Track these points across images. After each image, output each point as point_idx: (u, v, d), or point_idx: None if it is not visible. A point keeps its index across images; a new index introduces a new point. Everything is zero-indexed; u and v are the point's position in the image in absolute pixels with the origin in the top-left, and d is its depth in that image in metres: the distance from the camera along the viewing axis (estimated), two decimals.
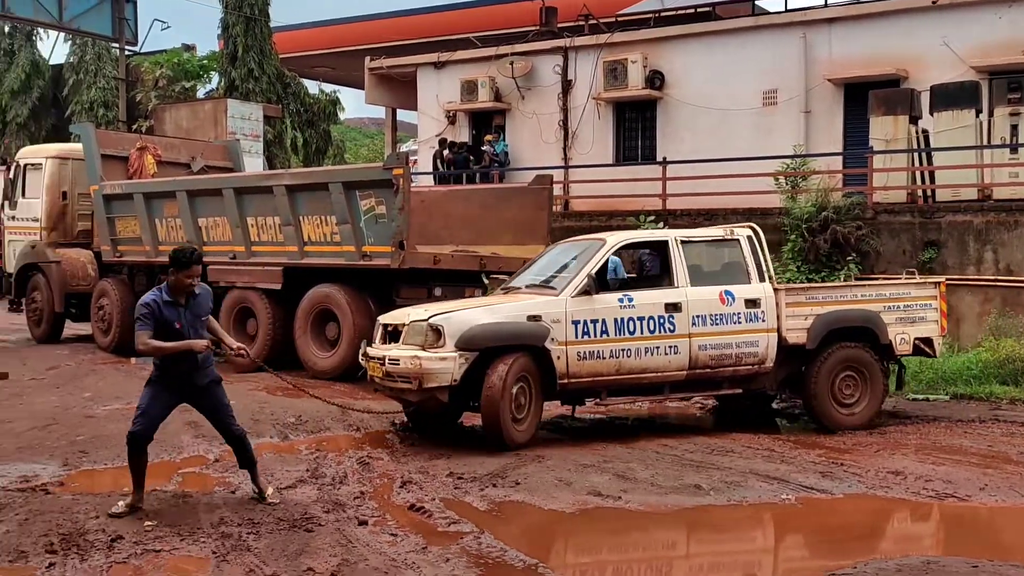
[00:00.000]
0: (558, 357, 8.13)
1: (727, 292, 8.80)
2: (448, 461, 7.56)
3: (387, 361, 8.02)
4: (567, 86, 20.66)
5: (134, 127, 22.95)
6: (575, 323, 8.20)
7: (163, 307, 5.98)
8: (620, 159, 20.30)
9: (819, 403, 8.98)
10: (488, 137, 21.07)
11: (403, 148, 29.70)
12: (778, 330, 8.90)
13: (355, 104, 61.07)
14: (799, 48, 17.96)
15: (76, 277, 15.05)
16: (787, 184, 15.30)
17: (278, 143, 23.40)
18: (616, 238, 9.04)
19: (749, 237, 9.15)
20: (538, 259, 9.73)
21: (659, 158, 18.29)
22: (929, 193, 14.51)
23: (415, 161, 24.94)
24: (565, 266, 8.93)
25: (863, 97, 16.05)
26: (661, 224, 14.22)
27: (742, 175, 15.85)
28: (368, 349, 8.51)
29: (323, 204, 11.73)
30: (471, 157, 21.08)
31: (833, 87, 17.66)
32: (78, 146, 15.58)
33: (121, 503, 6.11)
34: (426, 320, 7.98)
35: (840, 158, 16.84)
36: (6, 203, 16.24)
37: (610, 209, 17.66)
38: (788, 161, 15.77)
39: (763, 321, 8.87)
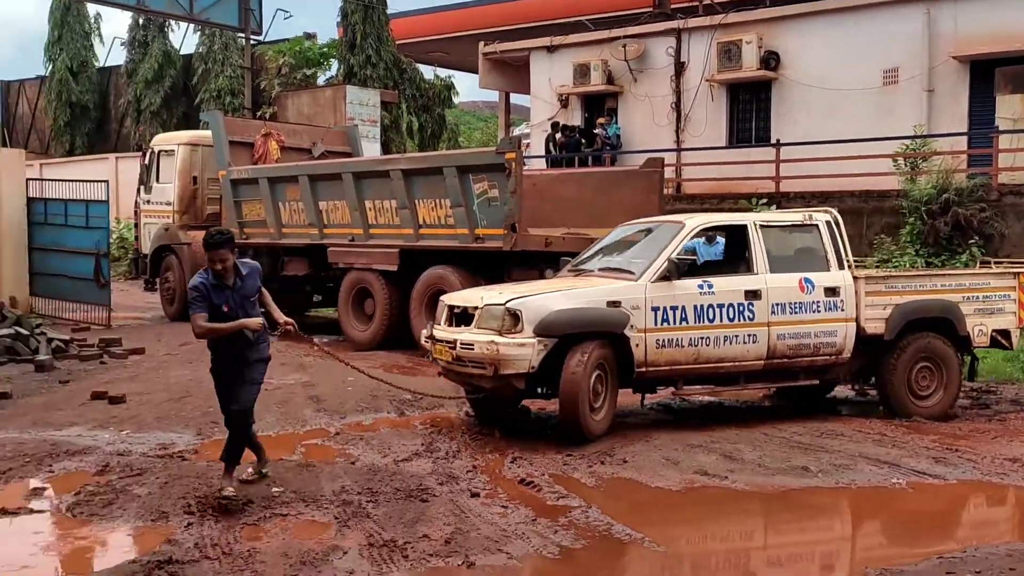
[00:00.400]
0: (636, 345, 7.82)
1: (807, 280, 8.54)
2: (556, 440, 7.74)
3: (459, 345, 7.73)
4: (680, 68, 20.55)
5: (258, 113, 23.83)
6: (654, 310, 7.92)
7: (211, 290, 5.90)
8: (733, 141, 20.11)
9: (896, 394, 8.78)
10: (600, 120, 21.15)
11: (516, 131, 29.93)
12: (856, 319, 8.65)
13: (469, 88, 61.91)
14: (922, 24, 17.44)
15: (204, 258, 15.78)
16: (906, 166, 14.92)
17: (394, 128, 23.94)
18: (695, 221, 8.68)
19: (828, 223, 8.88)
20: (607, 240, 9.44)
21: (773, 140, 18.05)
22: None
23: (527, 144, 25.22)
24: (640, 249, 8.67)
25: (990, 75, 15.52)
26: (774, 207, 14.06)
27: (859, 157, 15.50)
28: (435, 331, 8.19)
29: (438, 188, 12.05)
30: (583, 140, 21.20)
31: (958, 64, 17.10)
32: (207, 133, 16.33)
33: (250, 469, 6.51)
34: (503, 304, 7.62)
35: (964, 139, 16.30)
36: (141, 188, 17.12)
37: (722, 192, 17.56)
38: (908, 142, 15.36)
39: (842, 310, 8.62)
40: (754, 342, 8.29)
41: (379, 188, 12.83)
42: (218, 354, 6.17)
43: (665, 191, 14.28)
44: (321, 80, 25.72)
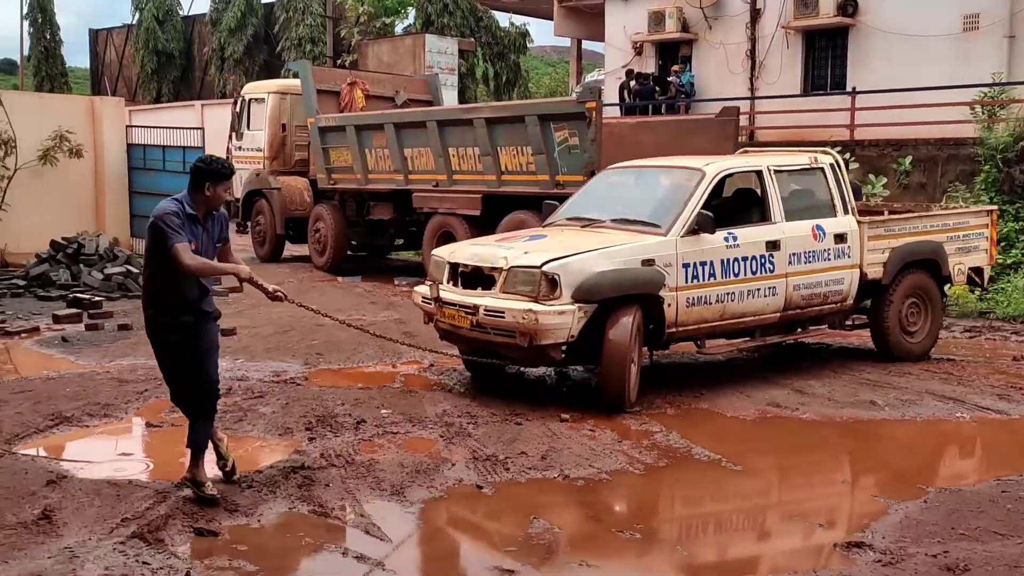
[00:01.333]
0: (668, 305, 7.27)
1: (818, 227, 8.26)
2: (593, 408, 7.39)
3: (482, 312, 7.00)
4: (755, 15, 20.55)
5: (338, 62, 24.43)
6: (685, 267, 7.37)
7: (185, 221, 4.96)
8: (808, 89, 20.13)
9: (892, 335, 8.85)
10: (675, 68, 21.31)
11: (588, 78, 30.08)
12: (860, 265, 8.54)
13: (537, 34, 61.86)
14: None
15: (294, 203, 16.56)
16: (984, 113, 14.94)
17: (470, 76, 24.37)
18: (715, 168, 7.98)
19: (832, 165, 8.61)
20: (597, 187, 8.93)
21: (849, 87, 18.09)
22: None
23: (601, 91, 25.45)
24: (655, 199, 8.14)
25: None
26: (848, 155, 14.24)
27: (936, 104, 15.53)
28: (442, 293, 7.41)
29: (519, 135, 12.54)
30: (657, 88, 21.39)
31: None
32: (295, 82, 16.99)
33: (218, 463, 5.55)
34: (539, 267, 6.89)
35: None
36: (233, 134, 17.89)
37: (796, 139, 17.68)
38: (986, 90, 15.36)
39: (849, 257, 8.45)
40: (773, 295, 7.96)
41: (462, 136, 13.36)
42: (170, 307, 5.05)
43: (739, 139, 14.53)
44: (398, 29, 26.20)
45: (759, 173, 8.22)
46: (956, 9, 17.71)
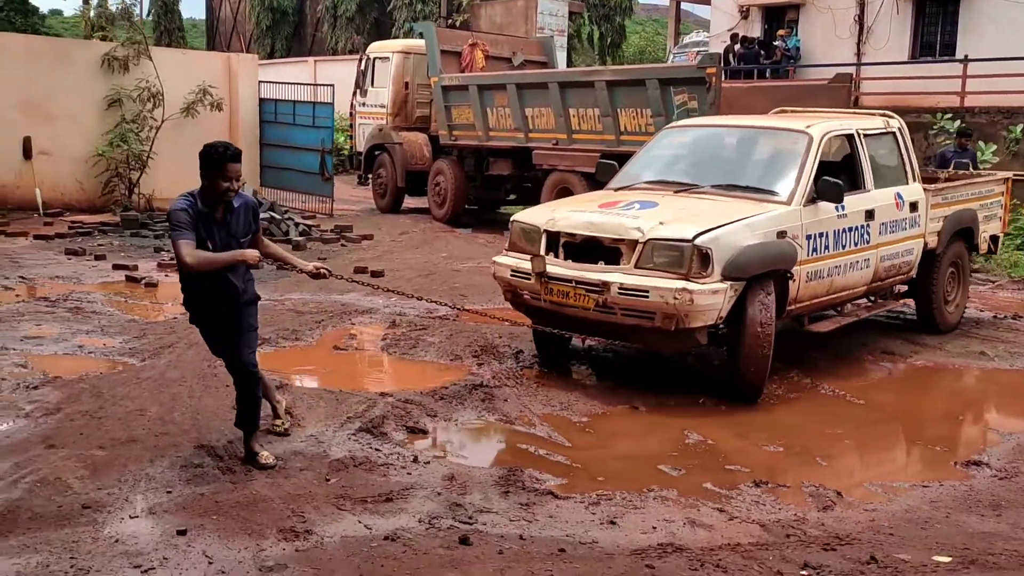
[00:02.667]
0: (793, 280, 6.76)
1: (899, 195, 7.93)
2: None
3: (614, 290, 6.23)
4: None
5: (449, 21, 25.21)
6: (808, 238, 6.88)
7: (197, 219, 4.69)
8: (916, 54, 20.27)
9: (938, 305, 8.66)
10: (781, 32, 21.59)
11: (686, 40, 30.39)
12: (924, 234, 8.28)
13: None
14: None
15: (415, 157, 17.48)
16: None
17: (576, 37, 24.92)
18: (820, 129, 7.45)
19: (900, 130, 8.29)
20: (662, 149, 8.25)
21: (958, 53, 18.23)
22: None
23: (697, 53, 25.85)
24: (760, 163, 7.60)
25: None
26: (959, 122, 14.56)
27: None
28: (550, 267, 6.61)
29: (639, 98, 13.19)
30: (762, 52, 21.73)
31: None
32: (416, 42, 17.84)
33: (278, 421, 5.54)
34: (691, 241, 6.18)
35: None
36: (357, 91, 18.86)
37: (904, 105, 17.93)
38: None
39: (918, 226, 8.15)
40: (867, 266, 7.59)
41: (583, 97, 14.05)
42: (201, 297, 4.97)
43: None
44: None
45: (850, 137, 7.77)
46: None
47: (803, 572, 3.91)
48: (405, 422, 5.77)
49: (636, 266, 6.30)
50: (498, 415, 6.05)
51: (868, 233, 7.51)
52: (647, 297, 6.16)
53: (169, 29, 34.13)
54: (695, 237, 6.21)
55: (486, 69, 16.86)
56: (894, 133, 8.27)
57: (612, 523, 4.40)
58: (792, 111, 9.05)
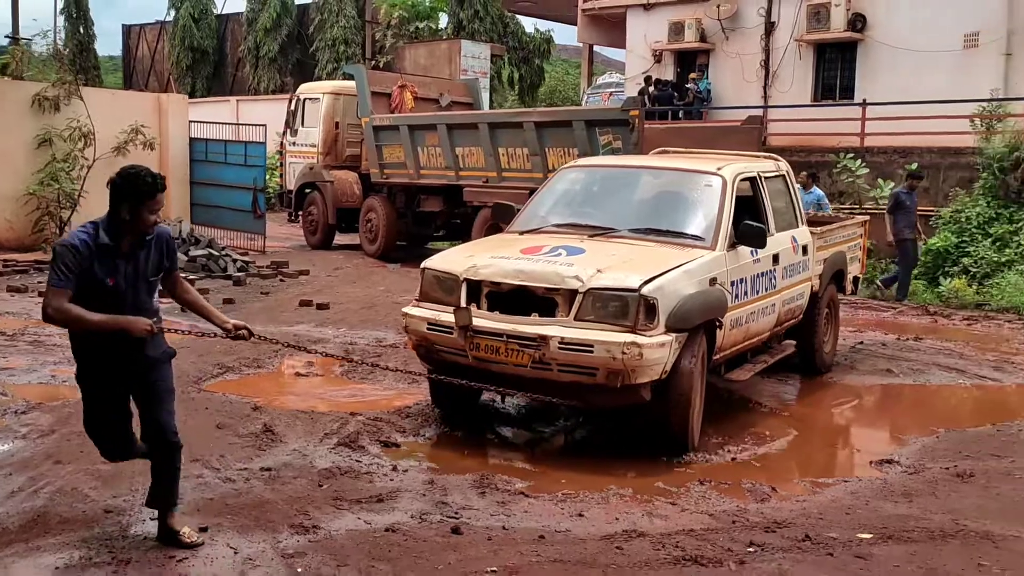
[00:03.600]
0: (720, 327, 6.41)
1: (793, 238, 7.80)
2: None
3: (554, 345, 5.67)
4: (770, 28, 22.00)
5: (372, 62, 25.83)
6: (733, 284, 6.60)
7: (96, 254, 4.05)
8: (818, 97, 21.60)
9: (819, 346, 8.58)
10: (692, 75, 22.75)
11: (599, 81, 31.55)
12: (811, 277, 8.22)
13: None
14: None
15: (346, 195, 17.94)
16: (982, 126, 16.39)
17: (497, 78, 25.77)
18: (731, 171, 7.16)
19: (788, 172, 8.23)
20: (565, 190, 7.63)
21: (857, 97, 19.54)
22: None
23: (610, 94, 26.97)
24: (675, 206, 7.22)
25: None
26: (860, 161, 15.70)
27: (939, 116, 16.95)
28: (476, 320, 5.96)
29: (566, 138, 13.96)
30: (675, 93, 22.85)
31: None
32: (346, 83, 18.40)
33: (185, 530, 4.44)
34: (638, 291, 5.74)
35: None
36: (287, 131, 19.27)
37: (808, 145, 19.13)
38: (985, 104, 16.82)
39: (808, 269, 8.07)
40: (773, 312, 7.40)
41: (512, 137, 14.76)
42: (93, 352, 4.22)
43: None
44: (429, 33, 27.61)
45: (753, 180, 7.47)
46: (958, 27, 19.18)
47: (749, 549, 4.53)
48: (378, 437, 6.25)
49: (575, 318, 5.79)
50: (462, 430, 6.57)
51: (775, 278, 7.34)
52: (591, 352, 5.64)
53: (85, 67, 33.93)
54: (641, 286, 5.77)
55: (415, 110, 17.49)
56: (784, 175, 8.13)
57: (580, 515, 4.97)
58: (675, 152, 8.91)
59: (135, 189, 4.08)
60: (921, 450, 6.45)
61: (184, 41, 33.14)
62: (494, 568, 4.10)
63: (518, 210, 7.66)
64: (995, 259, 13.90)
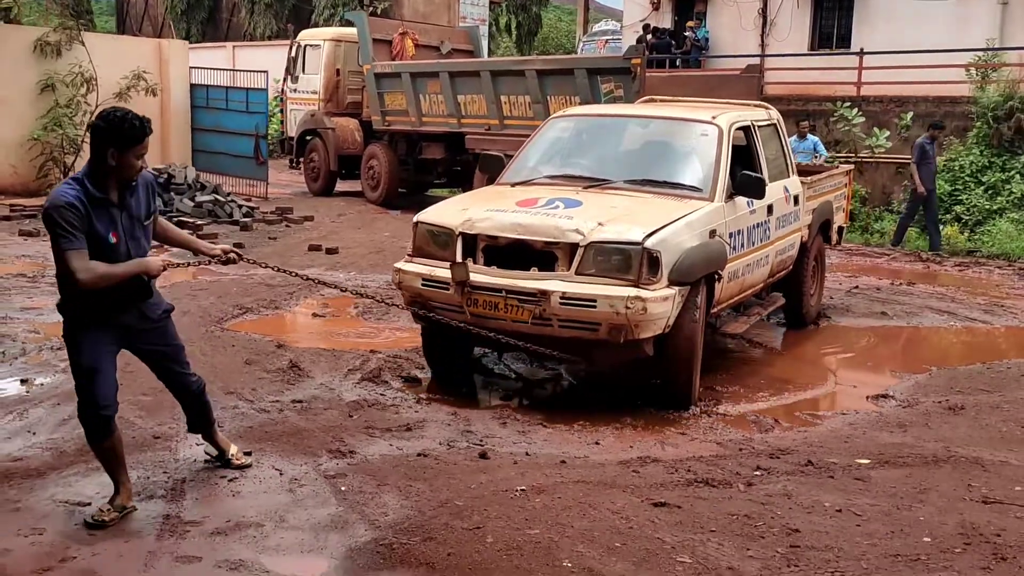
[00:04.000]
0: (719, 280, 6.32)
1: (785, 188, 7.71)
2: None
3: (555, 300, 5.54)
4: None
5: (370, 8, 25.74)
6: (730, 236, 6.53)
7: (91, 209, 3.90)
8: (816, 46, 21.71)
9: (806, 298, 8.54)
10: (690, 23, 22.79)
11: (595, 28, 31.49)
12: (801, 227, 8.16)
13: None
14: None
15: (347, 142, 18.08)
16: (977, 75, 16.57)
17: (495, 25, 25.75)
18: (726, 120, 7.05)
19: (779, 120, 8.14)
20: (557, 140, 7.48)
21: (854, 47, 19.67)
22: None
23: (606, 42, 27.01)
24: (671, 156, 7.08)
25: None
26: (856, 110, 15.89)
27: (934, 66, 17.11)
28: (474, 275, 5.78)
29: (568, 86, 14.10)
30: (673, 42, 22.92)
31: None
32: (348, 30, 18.43)
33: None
34: (641, 244, 5.63)
35: None
36: (288, 77, 19.33)
37: (805, 94, 19.29)
38: (980, 53, 16.98)
39: (798, 219, 7.98)
40: (766, 263, 7.36)
41: (514, 85, 14.89)
42: (99, 313, 4.09)
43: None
44: None
45: (747, 129, 7.34)
46: None
47: (756, 472, 4.87)
48: (399, 373, 6.56)
49: (576, 272, 5.64)
50: (477, 369, 6.88)
51: (769, 229, 7.28)
52: (594, 307, 5.52)
53: (79, 12, 33.62)
54: (644, 239, 5.65)
55: (416, 57, 17.57)
56: (775, 124, 8.00)
57: (597, 444, 5.30)
58: (662, 100, 8.82)
59: (121, 134, 3.88)
60: (915, 386, 6.79)
61: None
62: (523, 487, 4.42)
63: (506, 161, 7.57)
64: (987, 207, 14.22)
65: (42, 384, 5.90)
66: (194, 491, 4.32)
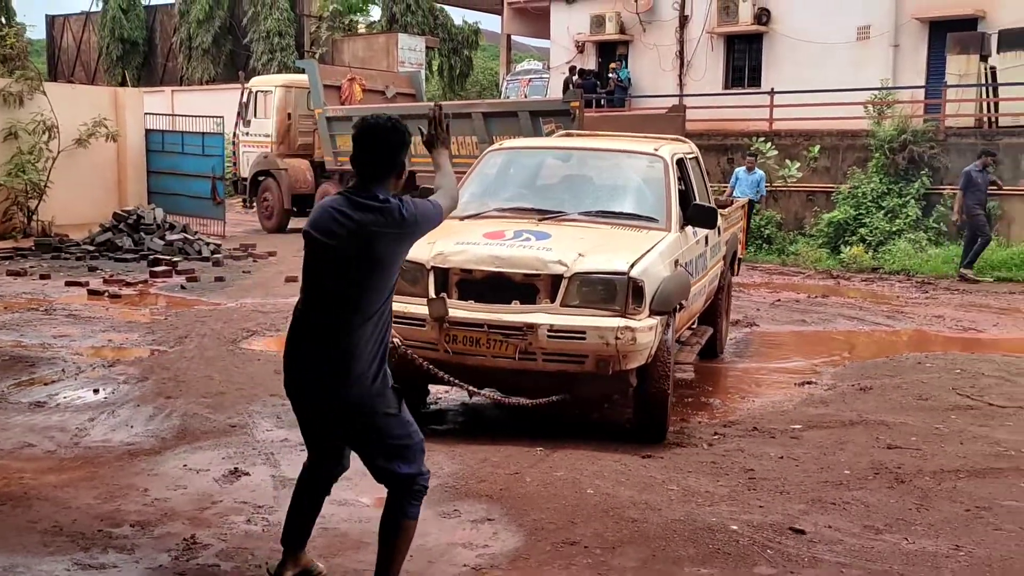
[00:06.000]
0: (680, 309, 6.37)
1: None
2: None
3: (542, 334, 5.51)
4: (684, 21, 23.86)
5: (310, 54, 26.89)
6: (685, 266, 6.62)
7: None
8: (729, 85, 23.57)
9: (722, 327, 8.81)
10: (613, 65, 24.48)
11: (517, 68, 33.11)
12: (721, 259, 8.45)
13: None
14: None
15: (299, 181, 19.18)
16: (874, 112, 18.46)
17: (429, 68, 27.10)
18: (668, 151, 7.21)
19: (698, 154, 8.37)
20: (500, 173, 7.44)
21: (764, 85, 21.52)
22: (992, 120, 17.63)
23: (529, 81, 28.56)
24: (623, 187, 7.19)
25: (944, 35, 19.05)
26: (769, 144, 17.61)
27: (836, 103, 18.94)
28: (452, 311, 5.66)
29: (512, 127, 15.44)
30: (598, 82, 24.56)
31: (919, 24, 20.59)
32: (296, 76, 19.64)
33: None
34: (627, 273, 5.69)
35: (921, 90, 19.91)
36: (240, 121, 20.34)
37: (722, 130, 21.03)
38: (876, 92, 18.90)
39: (721, 250, 8.35)
40: (703, 293, 7.51)
41: (461, 126, 16.17)
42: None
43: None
44: (361, 25, 28.75)
45: (681, 162, 7.48)
46: (851, 20, 21.28)
47: (714, 436, 6.18)
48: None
49: (561, 304, 5.62)
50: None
51: (707, 258, 7.50)
52: (583, 339, 5.51)
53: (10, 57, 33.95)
54: (630, 269, 5.70)
55: (363, 101, 18.80)
56: (697, 157, 8.22)
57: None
58: (578, 134, 9.17)
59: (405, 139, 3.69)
60: (833, 374, 8.23)
61: (114, 32, 33.52)
62: (541, 448, 5.65)
63: None
64: (887, 228, 15.98)
65: (113, 392, 6.90)
66: (285, 459, 5.43)
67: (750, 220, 16.39)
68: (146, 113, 19.91)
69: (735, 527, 4.55)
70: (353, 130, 3.65)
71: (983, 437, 6.17)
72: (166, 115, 19.89)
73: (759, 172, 15.56)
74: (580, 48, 25.73)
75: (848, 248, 15.81)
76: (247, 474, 5.16)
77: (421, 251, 5.79)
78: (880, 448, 5.90)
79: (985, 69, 17.72)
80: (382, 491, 3.58)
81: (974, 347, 9.59)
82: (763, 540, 4.41)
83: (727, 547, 4.32)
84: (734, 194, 15.99)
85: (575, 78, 24.36)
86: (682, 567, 4.14)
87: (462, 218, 6.53)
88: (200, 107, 22.56)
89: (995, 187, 14.42)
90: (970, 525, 4.68)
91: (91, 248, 15.41)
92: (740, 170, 16.26)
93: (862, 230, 16.23)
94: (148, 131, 19.67)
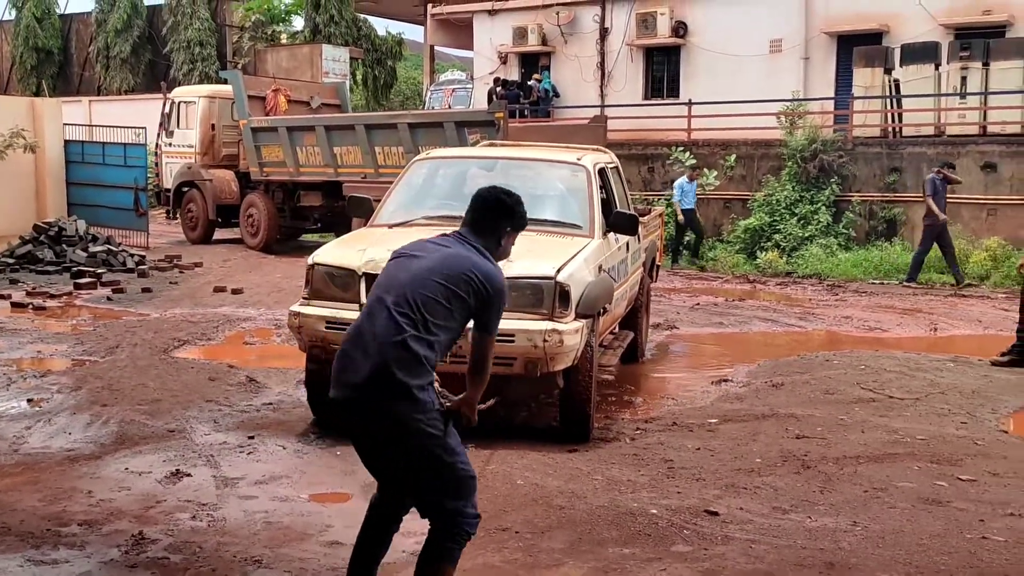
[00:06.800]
0: (603, 313, 6.65)
1: None
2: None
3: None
4: (604, 33, 24.41)
5: (232, 64, 26.75)
6: (608, 271, 6.87)
7: None
8: (648, 96, 24.18)
9: (642, 332, 9.01)
10: (535, 76, 24.93)
11: (441, 78, 33.40)
12: (641, 265, 8.67)
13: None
14: (801, 3, 21.69)
15: (224, 192, 19.12)
16: (786, 122, 19.18)
17: (353, 79, 27.19)
18: (590, 161, 7.51)
19: (618, 164, 8.58)
20: (428, 182, 7.58)
21: (682, 96, 22.16)
22: (896, 130, 18.49)
23: (452, 91, 28.87)
24: (546, 196, 7.34)
25: (851, 49, 19.90)
26: (688, 153, 18.18)
27: (751, 114, 19.65)
28: None
29: (438, 138, 15.68)
30: (521, 93, 24.97)
31: (828, 38, 21.45)
32: (221, 87, 19.55)
33: None
34: (553, 278, 5.90)
35: (831, 102, 20.75)
36: (162, 132, 20.21)
37: (642, 140, 21.59)
38: (788, 104, 19.65)
39: (641, 257, 8.56)
40: (624, 298, 7.70)
41: (387, 136, 16.40)
42: None
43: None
44: (284, 35, 28.69)
45: (602, 171, 7.73)
46: (764, 34, 22.05)
47: (637, 430, 6.54)
48: None
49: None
50: None
51: (628, 264, 7.73)
52: (512, 341, 5.64)
53: None
54: (556, 273, 5.89)
55: (288, 112, 18.86)
56: (617, 167, 8.45)
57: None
58: (502, 144, 9.47)
59: (518, 217, 3.84)
60: (747, 372, 8.67)
61: (28, 41, 32.84)
62: (472, 445, 5.91)
63: (374, 204, 7.68)
64: (800, 234, 16.64)
65: (47, 401, 6.96)
66: (225, 461, 5.61)
67: (698, 228, 17.02)
68: (64, 124, 19.68)
69: (655, 511, 4.89)
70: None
71: (882, 426, 6.64)
72: (85, 126, 19.63)
73: (696, 181, 16.24)
74: (503, 59, 26.11)
75: (764, 253, 16.43)
76: (189, 475, 5.32)
77: (351, 258, 6.11)
78: (789, 438, 6.31)
79: (889, 82, 18.55)
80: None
81: (878, 345, 10.13)
82: (680, 522, 4.76)
83: (647, 529, 4.66)
84: (682, 205, 16.56)
85: (499, 89, 24.76)
86: (606, 548, 4.46)
87: (391, 226, 6.77)
88: (119, 117, 22.30)
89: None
90: (867, 504, 5.09)
91: (11, 261, 15.17)
92: (683, 180, 16.79)
93: (776, 236, 16.86)
94: (67, 142, 19.45)
